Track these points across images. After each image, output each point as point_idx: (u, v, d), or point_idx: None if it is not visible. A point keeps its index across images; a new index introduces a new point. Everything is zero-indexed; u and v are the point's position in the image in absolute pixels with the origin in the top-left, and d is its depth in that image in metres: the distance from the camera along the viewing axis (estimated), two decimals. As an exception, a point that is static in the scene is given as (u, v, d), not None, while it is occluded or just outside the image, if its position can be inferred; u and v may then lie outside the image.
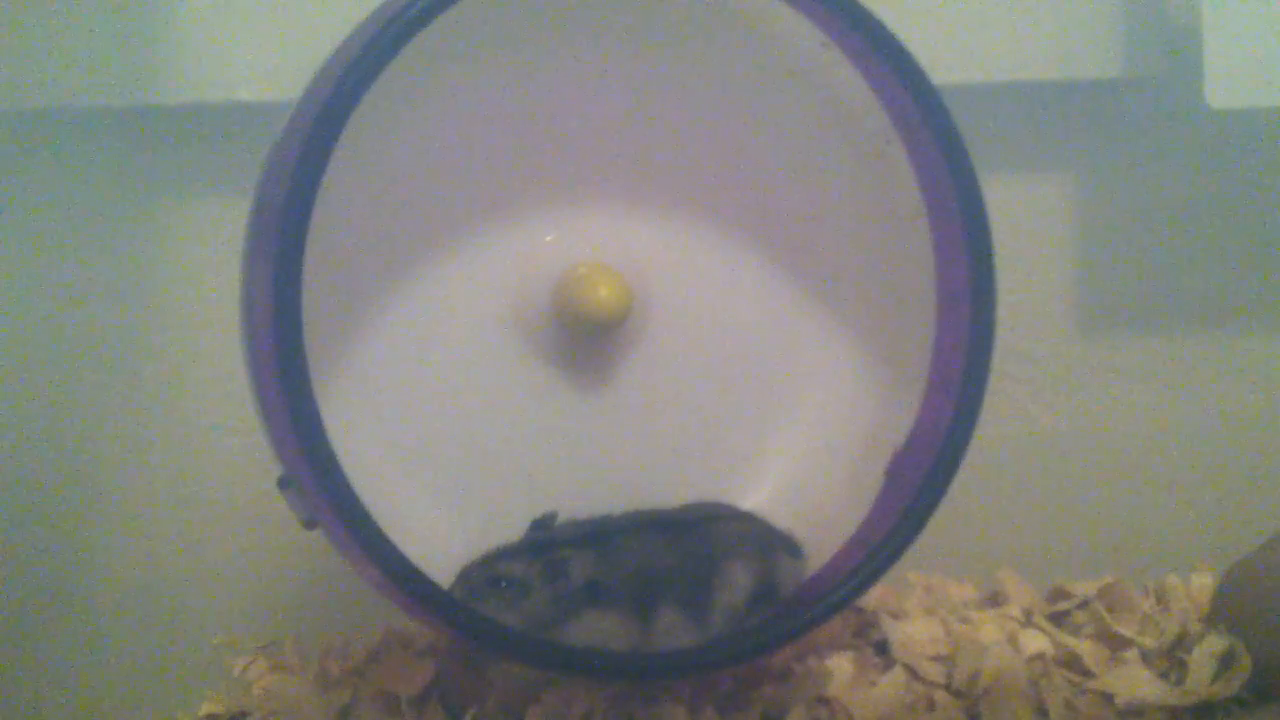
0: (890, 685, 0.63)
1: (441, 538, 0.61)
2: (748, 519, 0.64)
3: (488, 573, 0.57)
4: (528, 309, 0.63)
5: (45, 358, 0.76)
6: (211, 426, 0.77)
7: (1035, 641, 0.67)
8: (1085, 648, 0.66)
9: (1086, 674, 0.65)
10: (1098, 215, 0.81)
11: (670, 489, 0.64)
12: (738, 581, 0.60)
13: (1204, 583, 0.72)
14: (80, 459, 0.77)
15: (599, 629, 0.58)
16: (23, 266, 0.76)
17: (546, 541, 0.59)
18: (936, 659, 0.66)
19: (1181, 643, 0.65)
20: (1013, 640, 0.67)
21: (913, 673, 0.65)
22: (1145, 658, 0.66)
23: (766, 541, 0.63)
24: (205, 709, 0.65)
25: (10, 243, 0.75)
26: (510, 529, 0.60)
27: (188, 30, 0.72)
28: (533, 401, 0.64)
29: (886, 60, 0.59)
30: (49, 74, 0.71)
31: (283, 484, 0.57)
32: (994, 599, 0.73)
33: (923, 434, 0.63)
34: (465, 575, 0.58)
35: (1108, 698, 0.63)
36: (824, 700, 0.62)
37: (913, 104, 0.60)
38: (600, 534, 0.60)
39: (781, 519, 0.64)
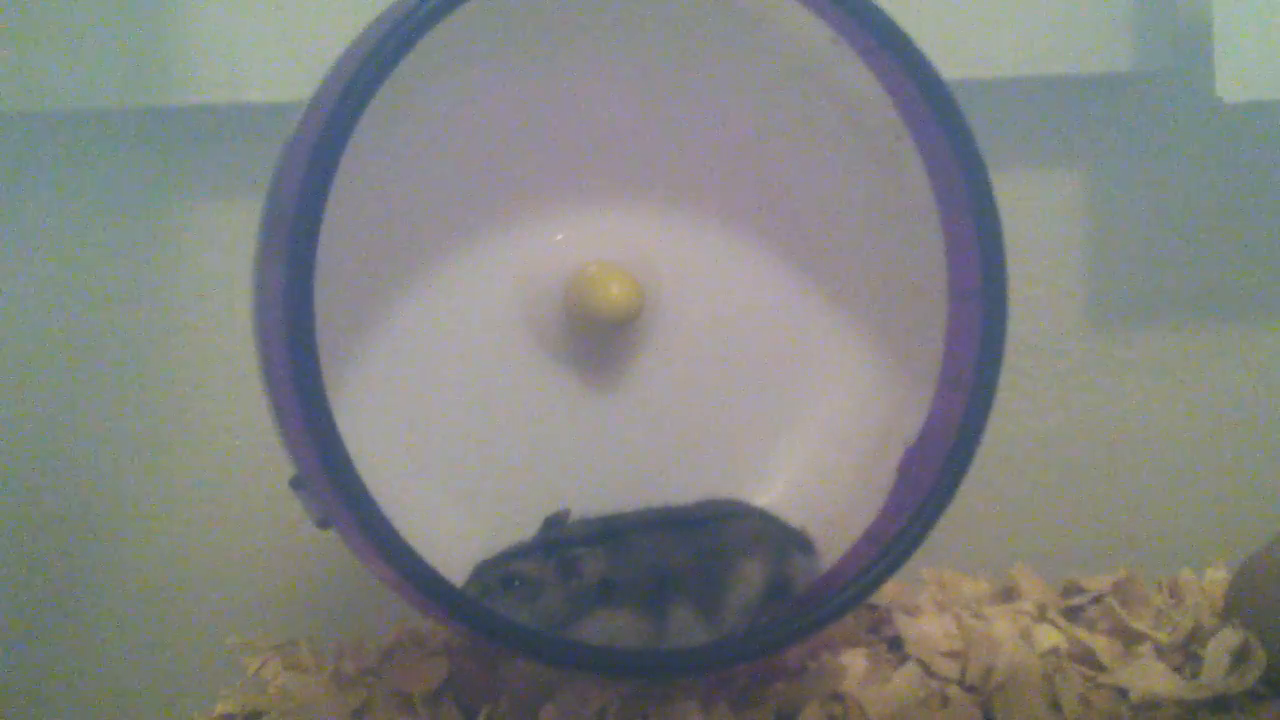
0: (904, 681, 0.63)
1: (454, 536, 0.61)
2: (760, 516, 0.64)
3: (501, 571, 0.57)
4: (539, 308, 0.63)
5: (57, 360, 0.76)
6: (224, 427, 0.77)
7: (1049, 637, 0.67)
8: (1099, 643, 0.66)
9: (1100, 669, 0.64)
10: (1109, 209, 0.81)
11: (682, 487, 0.64)
12: (751, 579, 0.60)
13: (1218, 577, 0.72)
14: (94, 461, 0.77)
15: (612, 627, 0.58)
16: (33, 268, 0.76)
17: (559, 540, 0.59)
18: (950, 655, 0.66)
19: (1196, 637, 0.65)
20: (1026, 635, 0.67)
21: (926, 668, 0.65)
22: (1159, 652, 0.65)
23: (779, 539, 0.63)
24: (221, 708, 0.65)
25: (21, 245, 0.76)
26: (523, 527, 0.60)
27: (197, 31, 0.72)
28: (544, 400, 0.64)
29: (895, 56, 0.59)
30: (58, 76, 0.72)
31: (295, 484, 0.57)
32: (1007, 594, 0.73)
33: (935, 430, 0.63)
34: (479, 574, 0.58)
35: (1122, 692, 0.63)
36: (838, 696, 0.62)
37: (922, 99, 0.59)
38: (613, 532, 0.60)
39: (794, 516, 0.64)
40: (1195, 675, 0.63)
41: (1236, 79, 0.71)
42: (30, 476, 0.77)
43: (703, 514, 0.62)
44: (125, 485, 0.77)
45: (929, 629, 0.67)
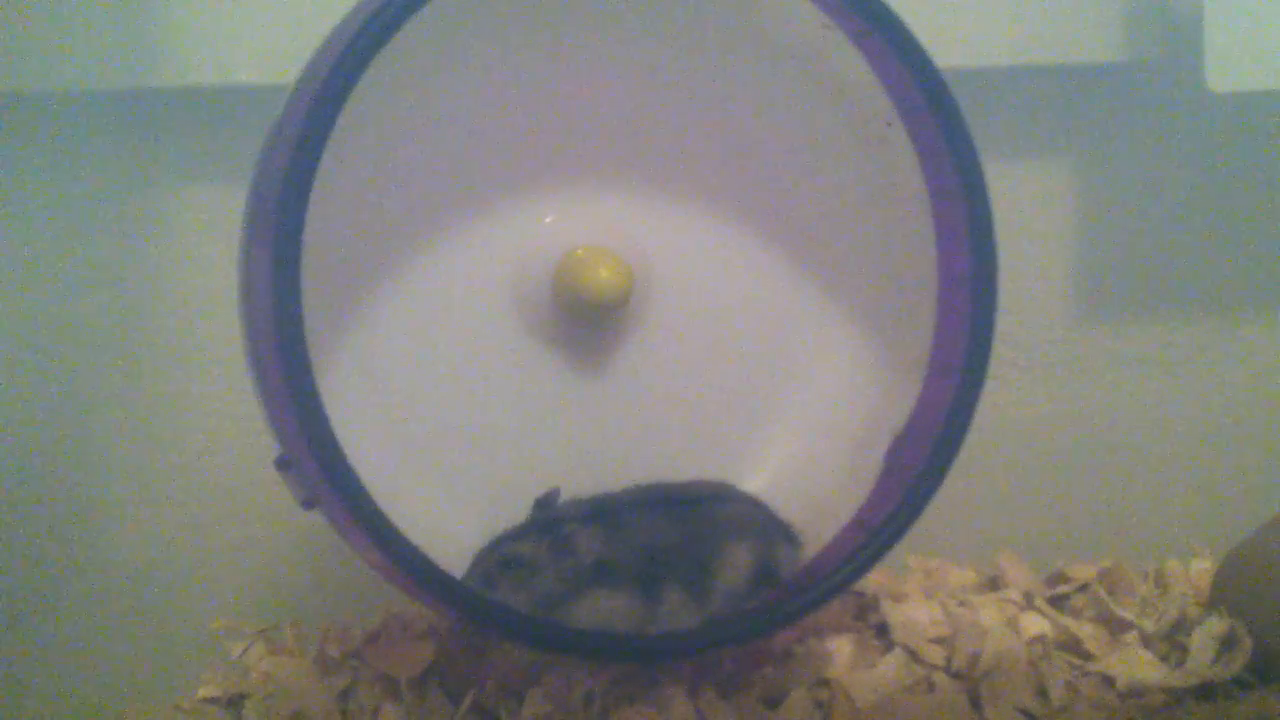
0: (890, 667, 0.63)
1: (442, 520, 0.61)
2: (749, 502, 0.64)
3: (497, 555, 0.57)
4: (528, 291, 0.63)
5: (43, 343, 0.76)
6: (209, 409, 0.77)
7: (1035, 624, 0.67)
8: (1085, 630, 0.66)
9: (1087, 656, 0.65)
10: (1099, 200, 0.81)
11: (670, 472, 0.63)
12: (738, 563, 0.60)
13: (1203, 566, 0.73)
14: (79, 444, 0.77)
15: (606, 608, 0.57)
16: (20, 251, 0.75)
17: (552, 519, 0.59)
18: (936, 641, 0.66)
19: (1181, 625, 0.66)
20: (1012, 623, 0.67)
21: (913, 655, 0.65)
22: (1145, 640, 0.66)
23: (766, 525, 0.62)
24: (204, 692, 0.65)
25: (7, 228, 0.75)
26: (511, 512, 0.60)
27: (185, 13, 0.71)
28: (533, 384, 0.64)
29: (889, 42, 0.59)
30: (45, 57, 0.71)
31: (281, 464, 0.57)
32: (993, 583, 0.73)
33: (923, 418, 0.63)
34: (478, 561, 0.58)
35: (1108, 680, 0.63)
36: (824, 682, 0.62)
37: (915, 86, 0.59)
38: (604, 510, 0.59)
39: (781, 502, 0.64)
40: (1181, 663, 0.63)
41: (1226, 70, 0.72)
42: (12, 458, 0.76)
43: (693, 493, 0.62)
44: (109, 467, 0.77)
45: (916, 616, 0.67)
